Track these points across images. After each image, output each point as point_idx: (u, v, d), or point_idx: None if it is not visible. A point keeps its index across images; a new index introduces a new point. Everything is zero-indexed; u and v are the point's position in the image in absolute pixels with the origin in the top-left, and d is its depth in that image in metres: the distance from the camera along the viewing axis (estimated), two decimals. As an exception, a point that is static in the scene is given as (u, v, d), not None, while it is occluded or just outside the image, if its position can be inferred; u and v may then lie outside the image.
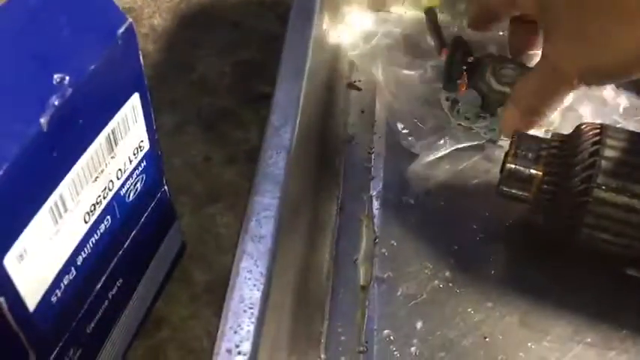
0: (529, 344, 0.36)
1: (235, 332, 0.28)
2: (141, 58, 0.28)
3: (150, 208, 0.35)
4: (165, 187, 0.36)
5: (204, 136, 0.48)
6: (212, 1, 0.59)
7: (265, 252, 0.31)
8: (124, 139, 0.29)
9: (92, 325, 0.32)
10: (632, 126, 0.44)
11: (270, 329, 0.30)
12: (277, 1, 0.59)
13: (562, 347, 0.36)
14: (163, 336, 0.38)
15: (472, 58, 0.45)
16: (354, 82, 0.51)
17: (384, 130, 0.47)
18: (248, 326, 0.28)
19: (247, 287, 0.29)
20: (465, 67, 0.45)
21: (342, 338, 0.37)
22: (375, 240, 0.41)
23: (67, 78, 0.23)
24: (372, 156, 0.46)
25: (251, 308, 0.29)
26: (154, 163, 0.33)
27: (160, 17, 0.57)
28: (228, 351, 0.27)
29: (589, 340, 0.36)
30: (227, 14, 0.58)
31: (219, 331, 0.27)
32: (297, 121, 0.37)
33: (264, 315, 0.29)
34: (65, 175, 0.25)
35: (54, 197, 0.25)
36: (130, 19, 0.26)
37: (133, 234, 0.34)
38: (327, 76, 0.48)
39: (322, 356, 0.36)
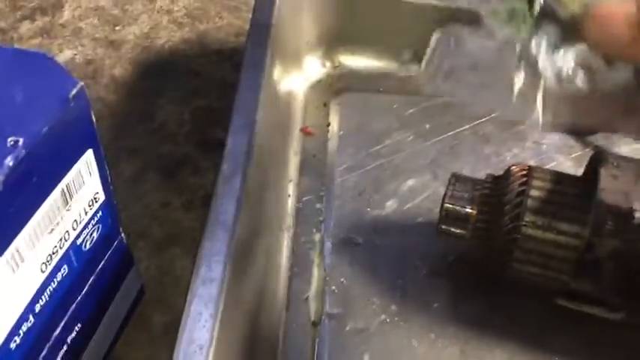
0: (470, 373, 0.38)
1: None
2: (93, 116, 0.30)
3: (107, 256, 0.37)
4: (122, 235, 0.38)
5: (163, 183, 0.50)
6: (172, 50, 0.62)
7: (215, 295, 0.33)
8: (79, 193, 0.31)
9: (51, 369, 0.34)
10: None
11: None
12: (235, 49, 0.62)
13: (500, 375, 0.38)
14: (122, 378, 0.39)
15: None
16: (307, 127, 0.54)
17: (335, 173, 0.50)
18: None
19: (197, 329, 0.31)
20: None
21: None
22: (326, 278, 0.43)
23: (21, 140, 0.26)
24: (323, 197, 0.48)
25: (201, 349, 0.31)
26: (109, 212, 0.35)
27: (120, 67, 0.59)
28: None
29: (525, 367, 0.39)
30: (186, 63, 0.60)
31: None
32: (249, 169, 0.40)
33: (214, 355, 0.31)
34: (21, 229, 0.27)
35: (11, 249, 0.27)
36: (82, 83, 0.28)
37: (90, 281, 0.35)
38: (280, 123, 0.51)
39: (275, 392, 0.38)
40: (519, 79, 0.34)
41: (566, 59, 0.32)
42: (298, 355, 0.39)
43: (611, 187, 0.35)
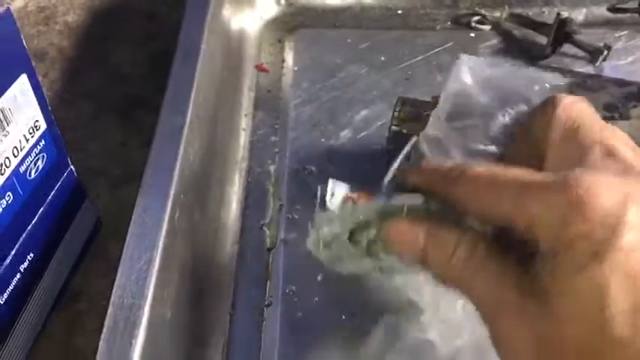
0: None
1: (131, 287, 0.30)
2: (24, 41, 0.30)
3: (57, 187, 0.37)
4: (72, 167, 0.38)
5: (120, 123, 0.51)
6: (126, -5, 0.61)
7: (158, 222, 0.33)
8: (16, 117, 0.31)
9: (4, 297, 0.34)
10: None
11: (170, 283, 0.33)
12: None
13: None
14: (81, 308, 0.40)
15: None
16: (262, 64, 0.54)
17: (289, 107, 0.50)
18: (143, 277, 0.31)
19: (140, 253, 0.32)
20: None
21: (249, 294, 0.40)
22: (281, 206, 0.44)
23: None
24: (278, 130, 0.49)
25: (146, 264, 0.31)
26: (53, 141, 0.35)
27: (74, 14, 0.59)
28: (121, 303, 0.29)
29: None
30: (141, 7, 0.60)
31: (115, 285, 0.30)
32: (193, 104, 0.40)
33: (161, 270, 0.32)
34: (-44, 151, 0.28)
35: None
36: (8, 5, 0.28)
37: (40, 210, 0.36)
38: (234, 60, 0.51)
39: (230, 311, 0.39)
40: None
41: None
42: (253, 279, 0.40)
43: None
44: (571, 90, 0.35)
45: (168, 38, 0.57)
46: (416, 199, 0.27)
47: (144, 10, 0.59)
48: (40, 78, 0.32)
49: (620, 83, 0.36)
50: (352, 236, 0.29)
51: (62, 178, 0.38)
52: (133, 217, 0.33)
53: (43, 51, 0.56)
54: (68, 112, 0.51)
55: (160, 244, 0.32)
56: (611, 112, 0.34)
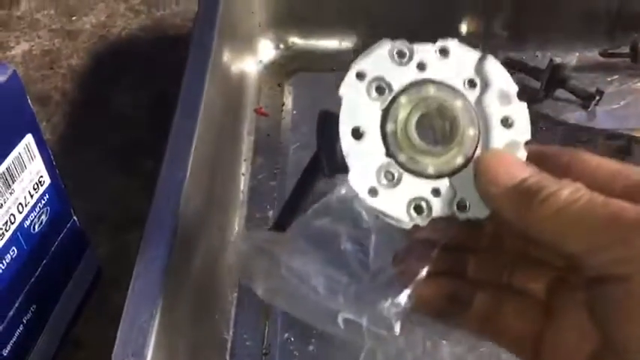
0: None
1: (131, 341, 0.31)
2: (29, 101, 0.31)
3: (59, 238, 0.38)
4: (75, 218, 0.39)
5: (122, 168, 0.51)
6: (128, 38, 0.63)
7: (159, 274, 0.34)
8: (21, 176, 0.32)
9: (8, 348, 0.35)
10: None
11: (170, 337, 0.33)
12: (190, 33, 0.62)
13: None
14: (82, 357, 0.41)
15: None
16: (261, 108, 0.55)
17: (289, 151, 0.51)
18: (144, 334, 0.31)
19: (142, 309, 0.33)
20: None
21: (247, 343, 0.40)
22: (279, 252, 0.45)
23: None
24: (277, 175, 0.50)
25: (146, 322, 0.32)
26: (57, 195, 0.36)
27: (77, 57, 0.60)
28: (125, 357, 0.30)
29: None
30: (143, 50, 0.61)
31: (117, 339, 0.31)
32: (195, 151, 0.41)
33: (162, 324, 0.32)
34: (-38, 212, 0.28)
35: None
36: (13, 68, 0.29)
37: (44, 262, 0.37)
38: (233, 104, 0.52)
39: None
40: None
41: None
42: (251, 327, 0.41)
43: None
44: (563, 142, 0.36)
45: (168, 80, 0.58)
46: None
47: (145, 53, 0.61)
48: (43, 123, 0.33)
49: (610, 136, 0.37)
50: None
51: (65, 229, 0.38)
52: (134, 274, 0.34)
53: (47, 94, 0.57)
54: (71, 158, 0.52)
55: (160, 301, 0.32)
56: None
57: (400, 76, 0.26)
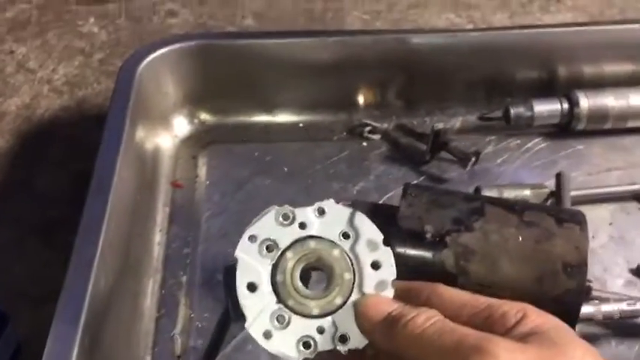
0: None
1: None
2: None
3: (-22, 317, 0.41)
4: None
5: (44, 245, 0.55)
6: (51, 118, 0.66)
7: (71, 344, 0.37)
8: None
9: None
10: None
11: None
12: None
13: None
14: None
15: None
16: (177, 180, 0.59)
17: (202, 220, 0.56)
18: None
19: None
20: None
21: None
22: (191, 315, 0.49)
23: None
24: (190, 243, 0.54)
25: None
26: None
27: (2, 139, 0.63)
28: None
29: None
30: (65, 130, 0.65)
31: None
32: (107, 227, 0.45)
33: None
34: None
35: None
36: None
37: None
38: (148, 178, 0.56)
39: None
40: None
41: None
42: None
43: (407, 214, 0.42)
44: (427, 208, 0.41)
45: (87, 158, 0.62)
46: None
47: (68, 133, 0.65)
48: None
49: (468, 198, 0.42)
50: None
51: (-17, 310, 0.41)
52: (44, 352, 0.37)
53: (-30, 177, 0.60)
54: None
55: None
56: (458, 225, 0.41)
57: (285, 236, 0.32)
